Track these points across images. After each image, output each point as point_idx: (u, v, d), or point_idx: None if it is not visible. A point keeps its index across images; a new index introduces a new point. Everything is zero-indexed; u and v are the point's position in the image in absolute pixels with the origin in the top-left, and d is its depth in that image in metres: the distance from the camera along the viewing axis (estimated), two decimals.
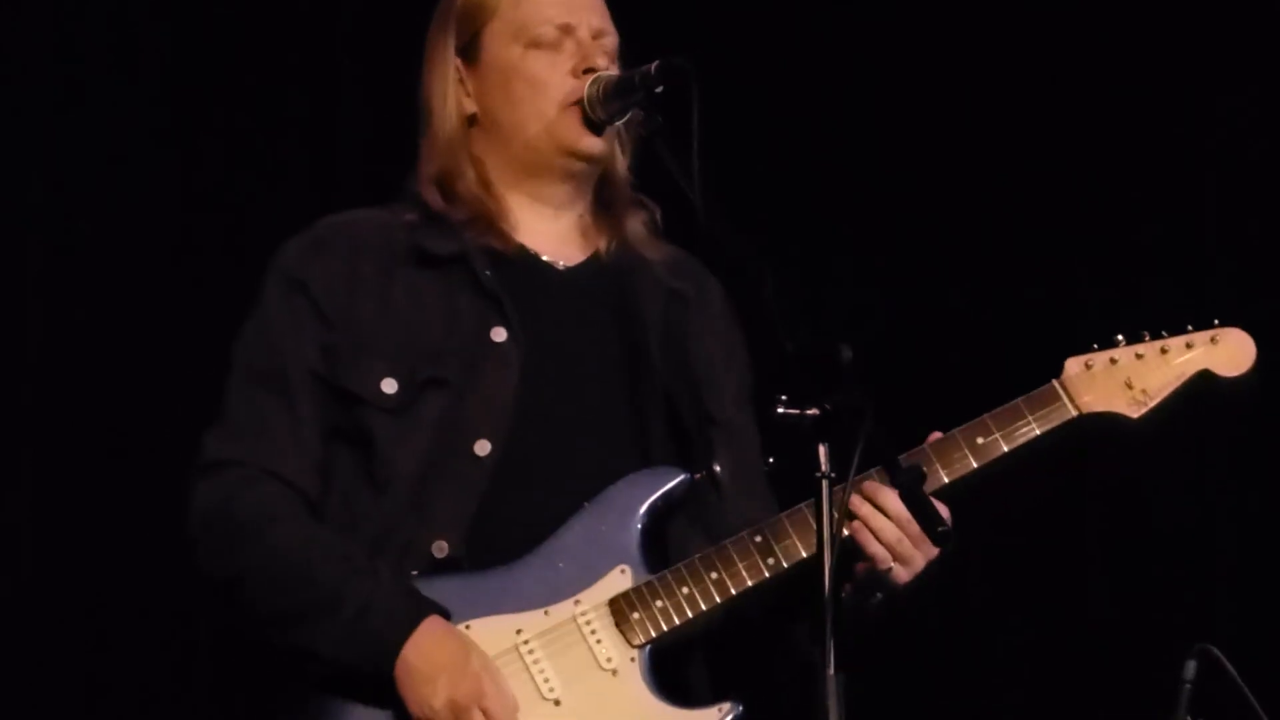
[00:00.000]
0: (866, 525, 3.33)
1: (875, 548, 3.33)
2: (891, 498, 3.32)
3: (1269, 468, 5.30)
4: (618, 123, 3.42)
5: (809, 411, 3.07)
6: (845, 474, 3.06)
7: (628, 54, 3.58)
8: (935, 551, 3.34)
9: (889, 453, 3.21)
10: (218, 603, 3.37)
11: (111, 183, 5.00)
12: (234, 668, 5.00)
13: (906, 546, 3.32)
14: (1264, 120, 5.35)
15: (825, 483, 3.04)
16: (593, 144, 3.45)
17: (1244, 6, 5.33)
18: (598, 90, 3.40)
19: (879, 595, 3.38)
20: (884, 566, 3.34)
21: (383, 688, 3.27)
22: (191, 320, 5.00)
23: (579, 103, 3.44)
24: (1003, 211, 5.41)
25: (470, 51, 3.52)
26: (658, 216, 3.55)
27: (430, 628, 3.27)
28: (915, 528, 3.30)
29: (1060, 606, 5.37)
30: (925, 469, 3.36)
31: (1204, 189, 5.39)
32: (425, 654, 3.25)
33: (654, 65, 3.33)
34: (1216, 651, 3.86)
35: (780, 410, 3.09)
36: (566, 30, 3.47)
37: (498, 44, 3.48)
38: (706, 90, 3.26)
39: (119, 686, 4.95)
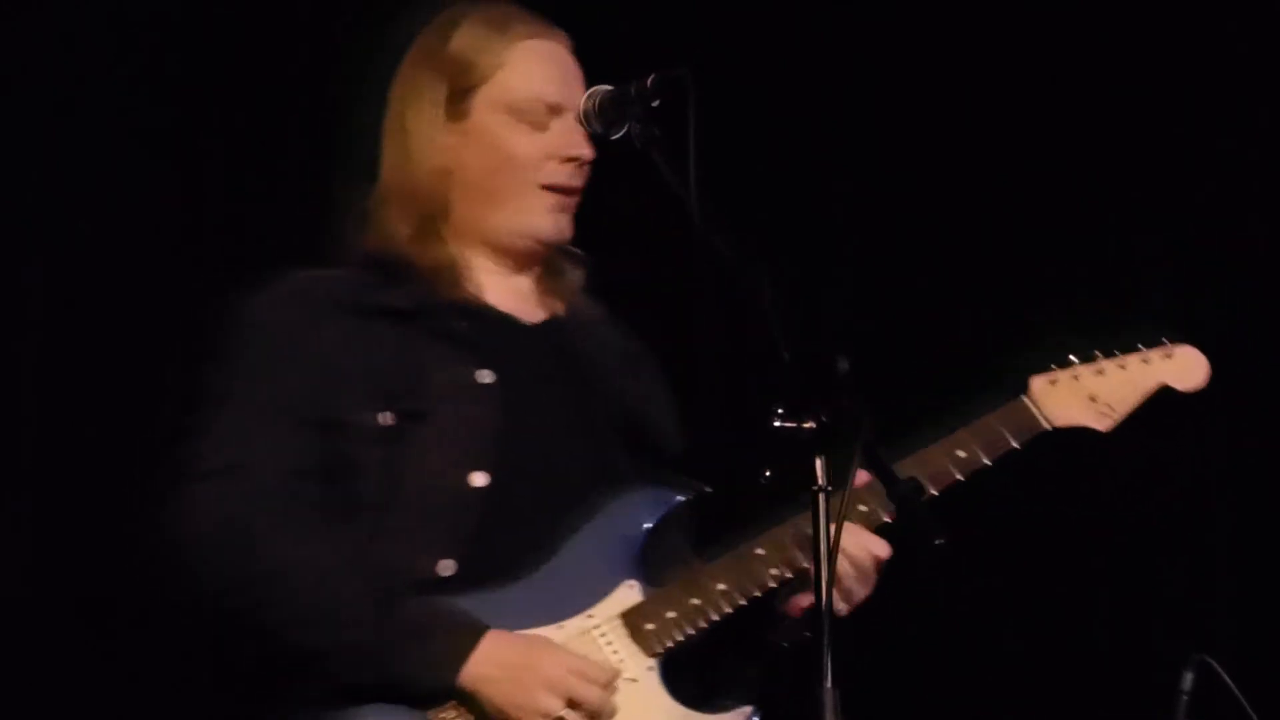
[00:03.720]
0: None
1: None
2: (846, 540, 3.28)
3: (1268, 477, 5.31)
4: (614, 136, 3.40)
5: (805, 424, 3.08)
6: (842, 486, 3.06)
7: (625, 55, 3.59)
8: (869, 593, 3.42)
9: (885, 465, 3.20)
10: (220, 607, 3.34)
11: (111, 184, 5.01)
12: (235, 670, 5.02)
13: (850, 582, 3.40)
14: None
15: (822, 496, 3.04)
16: (563, 230, 3.52)
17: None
18: (593, 104, 3.40)
19: (805, 632, 3.41)
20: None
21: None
22: (190, 320, 5.01)
23: (554, 188, 3.50)
24: (993, 217, 5.44)
25: (455, 107, 3.54)
26: (590, 268, 3.62)
27: (494, 639, 3.30)
28: (867, 568, 3.40)
29: (1058, 616, 5.37)
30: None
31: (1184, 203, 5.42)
32: (495, 660, 3.29)
33: (650, 79, 3.33)
34: (1214, 662, 3.87)
35: (777, 423, 3.10)
36: (555, 110, 3.51)
37: (485, 110, 3.50)
38: (701, 98, 3.27)
39: (119, 687, 4.96)
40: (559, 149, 3.49)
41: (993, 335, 5.35)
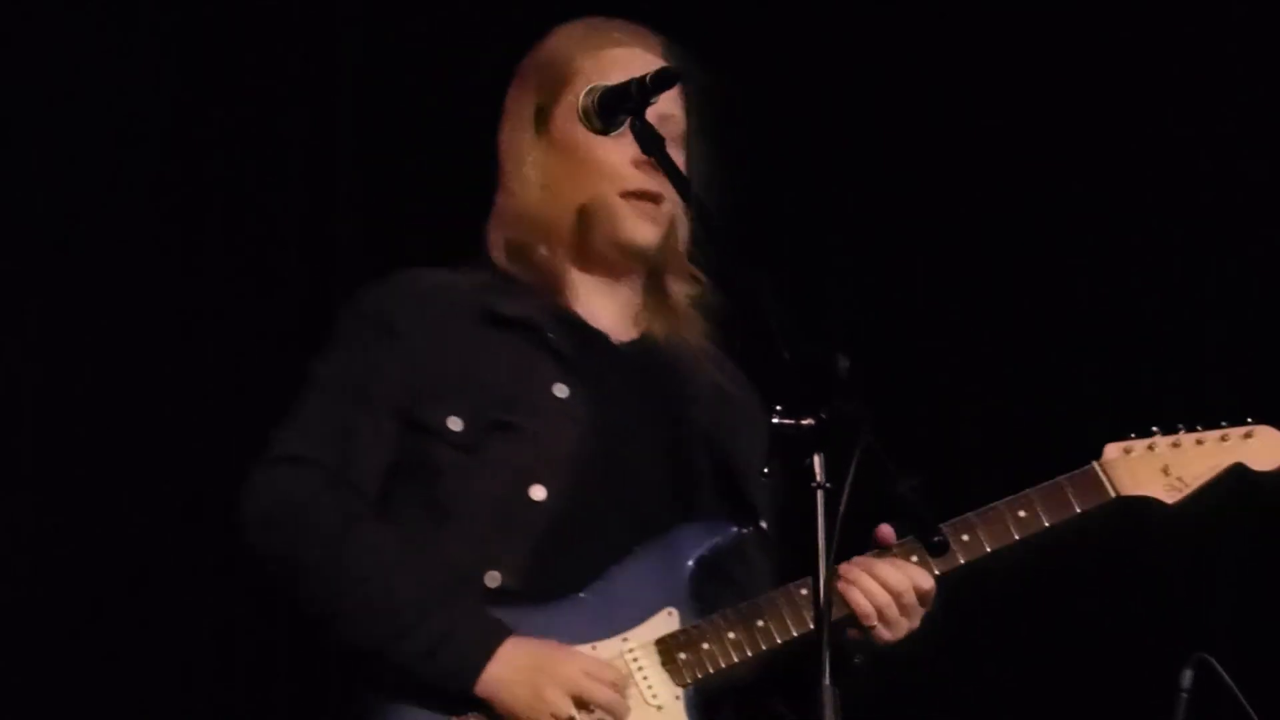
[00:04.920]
0: (857, 585, 3.42)
1: (862, 603, 3.42)
2: (887, 569, 3.42)
3: (1269, 475, 5.28)
4: (614, 133, 3.42)
5: (805, 421, 3.09)
6: (841, 484, 3.06)
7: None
8: (917, 624, 3.46)
9: (886, 463, 3.21)
10: (277, 590, 3.43)
11: (111, 183, 5.01)
12: (236, 668, 5.03)
13: (893, 611, 3.42)
14: None
15: (821, 493, 3.05)
16: (647, 237, 3.53)
17: None
18: (592, 100, 3.40)
19: (859, 656, 3.47)
20: (868, 624, 3.42)
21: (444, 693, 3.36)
22: (190, 322, 5.02)
23: (635, 194, 3.49)
24: (997, 213, 5.44)
25: (541, 121, 3.56)
26: (709, 292, 3.61)
27: (512, 644, 3.35)
28: (908, 598, 3.43)
29: (1056, 614, 5.37)
30: (968, 536, 3.48)
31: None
32: (512, 664, 3.33)
33: (648, 75, 3.35)
34: (1213, 660, 3.87)
35: (776, 420, 3.11)
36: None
37: (566, 118, 3.50)
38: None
39: (120, 688, 4.96)
40: (638, 153, 3.43)
41: (994, 334, 5.36)
